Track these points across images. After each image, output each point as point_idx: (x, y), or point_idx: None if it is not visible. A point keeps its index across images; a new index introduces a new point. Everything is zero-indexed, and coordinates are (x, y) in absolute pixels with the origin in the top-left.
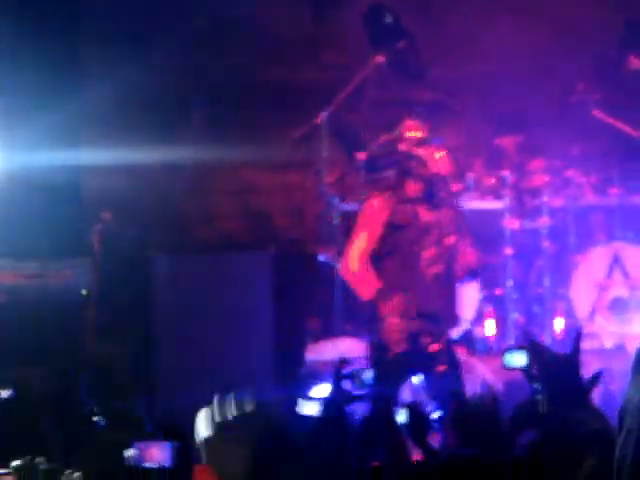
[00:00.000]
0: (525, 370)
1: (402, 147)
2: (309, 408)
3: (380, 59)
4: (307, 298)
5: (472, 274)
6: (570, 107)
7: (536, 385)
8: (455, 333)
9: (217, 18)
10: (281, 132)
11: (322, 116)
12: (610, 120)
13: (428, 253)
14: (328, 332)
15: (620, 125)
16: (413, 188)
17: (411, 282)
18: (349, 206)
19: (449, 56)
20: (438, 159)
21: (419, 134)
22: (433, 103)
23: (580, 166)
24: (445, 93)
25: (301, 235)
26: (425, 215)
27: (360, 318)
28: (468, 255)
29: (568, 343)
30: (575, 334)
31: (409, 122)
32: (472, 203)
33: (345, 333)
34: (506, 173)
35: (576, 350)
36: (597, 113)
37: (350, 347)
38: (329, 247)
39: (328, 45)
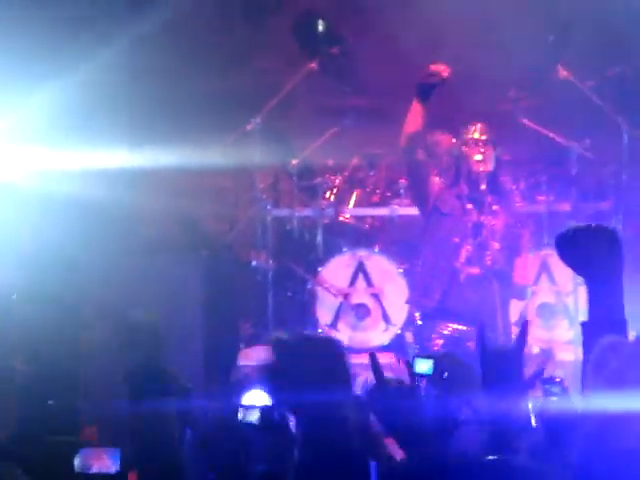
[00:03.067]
0: (429, 377)
1: (465, 149)
2: (249, 416)
3: (313, 65)
4: (240, 303)
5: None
6: (499, 114)
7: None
8: (385, 338)
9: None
10: (214, 137)
11: (254, 122)
12: (538, 128)
13: (467, 252)
14: (261, 338)
15: (548, 133)
16: (465, 188)
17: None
18: (282, 211)
19: (378, 58)
20: (491, 163)
21: (483, 137)
22: (367, 109)
23: (509, 173)
24: (376, 97)
25: (234, 240)
26: (474, 215)
27: (294, 323)
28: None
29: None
30: (521, 325)
31: (478, 125)
32: (403, 209)
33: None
34: (436, 179)
35: (520, 342)
36: (526, 121)
37: None
38: (261, 252)
39: (260, 50)
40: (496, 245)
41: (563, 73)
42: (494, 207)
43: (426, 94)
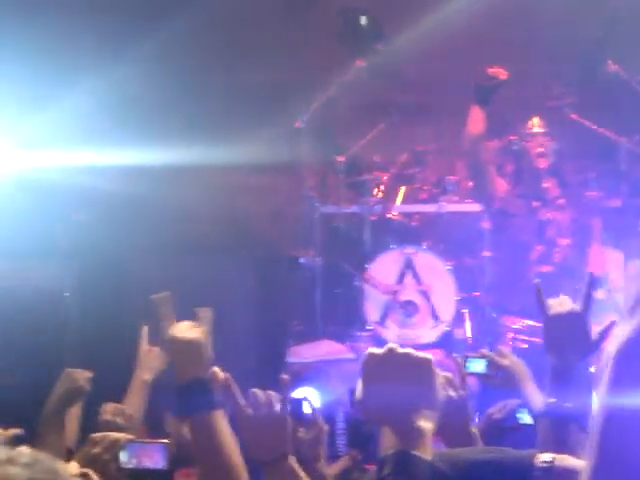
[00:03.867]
0: (483, 377)
1: (528, 145)
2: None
3: (360, 63)
4: (288, 301)
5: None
6: (548, 110)
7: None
8: (433, 335)
9: (197, 16)
10: (260, 134)
11: (302, 119)
12: (587, 123)
13: (537, 251)
14: (310, 335)
15: (598, 128)
16: (527, 185)
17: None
18: (329, 208)
19: (424, 55)
20: (552, 155)
21: (541, 130)
22: (412, 104)
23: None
24: (423, 93)
25: (281, 238)
26: (540, 213)
27: (342, 321)
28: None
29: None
30: (587, 284)
31: (535, 119)
32: (451, 206)
33: (327, 336)
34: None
35: (586, 302)
36: (575, 116)
37: (332, 349)
38: (309, 249)
39: (307, 46)
40: (565, 241)
41: (612, 67)
42: (559, 201)
43: (485, 97)
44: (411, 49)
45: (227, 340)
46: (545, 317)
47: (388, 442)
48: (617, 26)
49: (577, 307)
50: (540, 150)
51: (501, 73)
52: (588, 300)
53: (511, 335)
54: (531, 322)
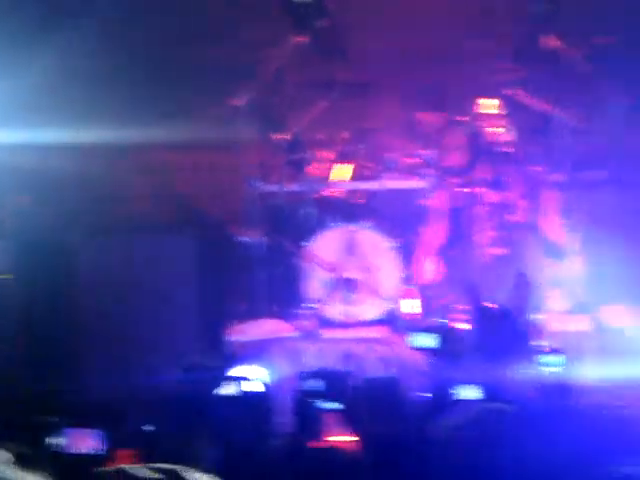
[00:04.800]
0: (432, 350)
1: (477, 125)
2: (229, 388)
3: (301, 39)
4: (230, 279)
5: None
6: (495, 88)
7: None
8: (377, 312)
9: None
10: (201, 112)
11: (243, 96)
12: (530, 99)
13: (489, 234)
14: (253, 313)
15: (540, 104)
16: (483, 168)
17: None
18: (271, 187)
19: (367, 33)
20: (505, 137)
21: (495, 111)
22: (356, 83)
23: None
24: (367, 71)
25: (223, 217)
26: (489, 196)
27: (285, 299)
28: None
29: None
30: (519, 281)
31: (484, 100)
32: (392, 183)
33: (270, 314)
34: (427, 152)
35: (520, 298)
36: (518, 92)
37: (276, 328)
38: (252, 228)
39: (249, 22)
40: (519, 217)
41: (552, 43)
42: (510, 180)
43: None
44: (353, 26)
45: (170, 319)
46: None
47: None
48: (558, 1)
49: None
50: (495, 131)
51: None
52: (522, 295)
53: (454, 314)
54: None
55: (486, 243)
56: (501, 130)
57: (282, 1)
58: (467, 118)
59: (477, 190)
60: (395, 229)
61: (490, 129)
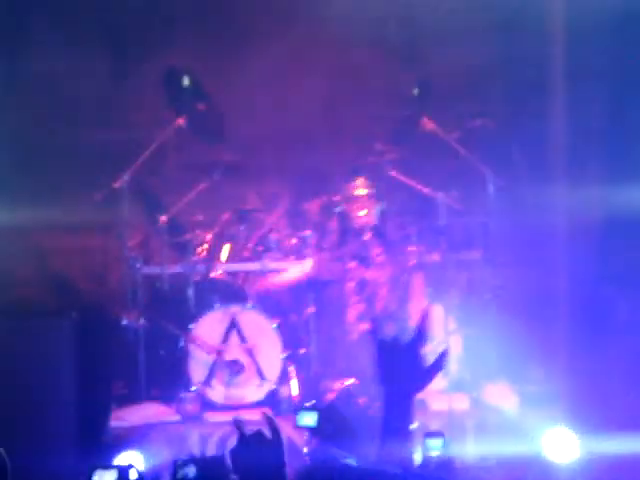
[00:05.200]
0: (313, 429)
1: (349, 206)
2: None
3: (180, 121)
4: (111, 363)
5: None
6: (368, 167)
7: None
8: (259, 394)
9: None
10: (82, 195)
11: (122, 179)
12: (406, 180)
13: (357, 309)
14: (134, 397)
15: (416, 185)
16: (352, 246)
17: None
18: (152, 269)
19: (246, 115)
20: (375, 217)
21: (365, 192)
22: (235, 164)
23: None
24: (245, 153)
25: (104, 299)
26: (359, 272)
27: (166, 382)
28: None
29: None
30: (421, 319)
31: (358, 180)
32: (274, 264)
33: (151, 398)
34: (308, 233)
35: (419, 335)
36: (394, 173)
37: (156, 412)
38: (132, 311)
39: (128, 106)
40: (384, 294)
41: (428, 125)
42: (379, 259)
43: None
44: (234, 109)
45: (47, 405)
46: (380, 349)
47: None
48: (432, 85)
49: (410, 339)
50: (362, 213)
51: None
52: (423, 332)
53: (333, 395)
54: (351, 381)
55: (355, 318)
56: (374, 210)
57: (163, 85)
58: (339, 198)
59: (348, 266)
60: (278, 309)
61: (363, 211)
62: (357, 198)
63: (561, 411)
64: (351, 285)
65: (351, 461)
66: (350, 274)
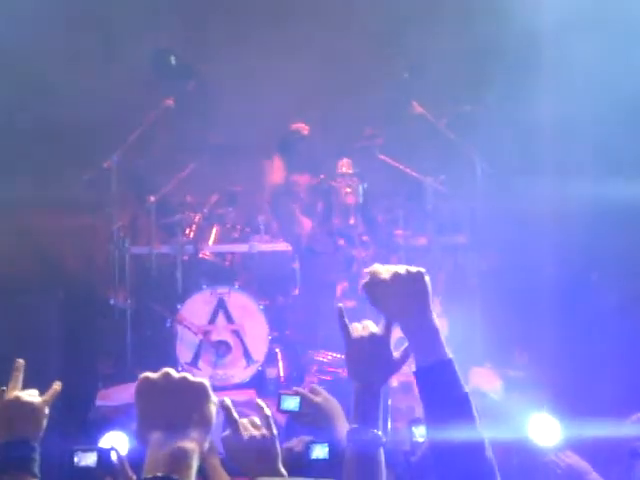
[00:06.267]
0: (295, 414)
1: (335, 183)
2: (85, 459)
3: (169, 101)
4: (98, 343)
5: None
6: (357, 151)
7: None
8: (246, 375)
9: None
10: (71, 174)
11: (112, 159)
12: (395, 163)
13: (342, 286)
14: (120, 377)
15: (404, 168)
16: (337, 222)
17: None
18: (140, 249)
19: (235, 96)
20: (360, 195)
21: (350, 171)
22: (224, 145)
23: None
24: (234, 134)
25: (91, 279)
26: (346, 250)
27: (153, 363)
28: None
29: None
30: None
31: (344, 160)
32: (262, 246)
33: (137, 378)
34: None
35: (389, 324)
36: (382, 157)
37: None
38: (120, 290)
39: (119, 84)
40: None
41: (418, 109)
42: (364, 238)
43: (287, 150)
44: (222, 90)
45: (32, 383)
46: (347, 341)
47: (150, 465)
48: (423, 69)
49: (378, 330)
50: (348, 190)
51: (303, 128)
52: (390, 324)
53: (315, 368)
54: (335, 354)
55: (340, 294)
56: (359, 189)
57: (152, 63)
58: (323, 176)
59: (337, 241)
60: (265, 291)
61: (347, 189)
62: (342, 176)
63: (545, 396)
64: (340, 261)
65: (324, 448)
66: (339, 250)
